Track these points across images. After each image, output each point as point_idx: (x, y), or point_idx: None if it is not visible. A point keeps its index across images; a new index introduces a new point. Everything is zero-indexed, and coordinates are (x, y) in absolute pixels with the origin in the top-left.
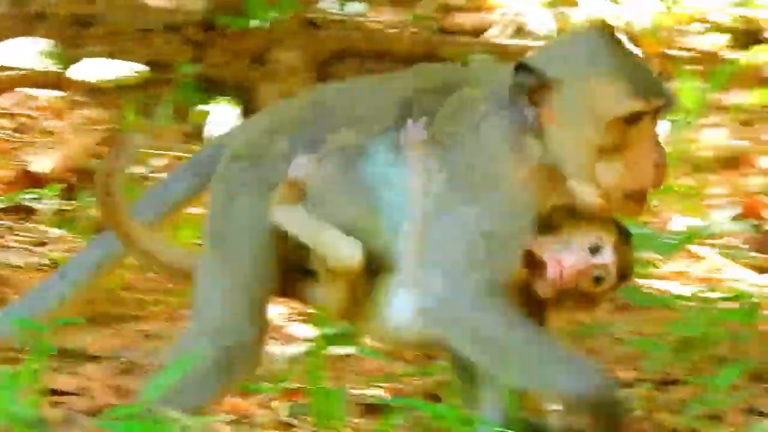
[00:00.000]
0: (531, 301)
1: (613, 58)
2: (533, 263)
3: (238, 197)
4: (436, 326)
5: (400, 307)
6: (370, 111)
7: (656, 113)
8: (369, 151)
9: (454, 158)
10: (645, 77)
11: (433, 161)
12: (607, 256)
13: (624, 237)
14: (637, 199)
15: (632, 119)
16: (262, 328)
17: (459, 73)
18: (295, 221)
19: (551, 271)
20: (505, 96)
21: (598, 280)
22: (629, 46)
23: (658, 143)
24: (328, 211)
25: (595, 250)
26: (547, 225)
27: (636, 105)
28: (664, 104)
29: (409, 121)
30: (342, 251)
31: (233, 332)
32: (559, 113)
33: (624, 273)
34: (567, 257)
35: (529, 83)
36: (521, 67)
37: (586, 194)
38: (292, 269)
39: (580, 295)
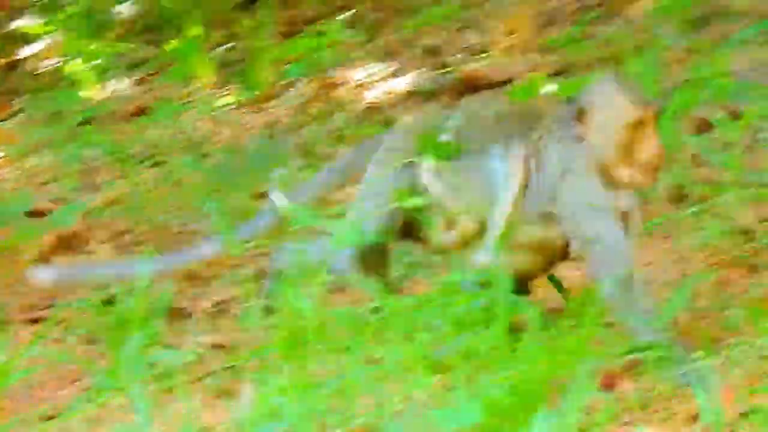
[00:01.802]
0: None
1: (621, 84)
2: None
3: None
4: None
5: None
6: (490, 127)
7: (653, 119)
8: (491, 152)
9: (548, 165)
10: (637, 95)
11: (531, 167)
12: None
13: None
14: (653, 171)
15: (636, 124)
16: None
17: (539, 108)
18: (439, 188)
19: None
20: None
21: None
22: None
23: (657, 137)
24: (460, 184)
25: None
26: None
27: (635, 114)
28: (656, 111)
29: (512, 141)
30: (467, 224)
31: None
32: (592, 126)
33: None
34: None
35: (575, 109)
36: (569, 100)
37: (623, 173)
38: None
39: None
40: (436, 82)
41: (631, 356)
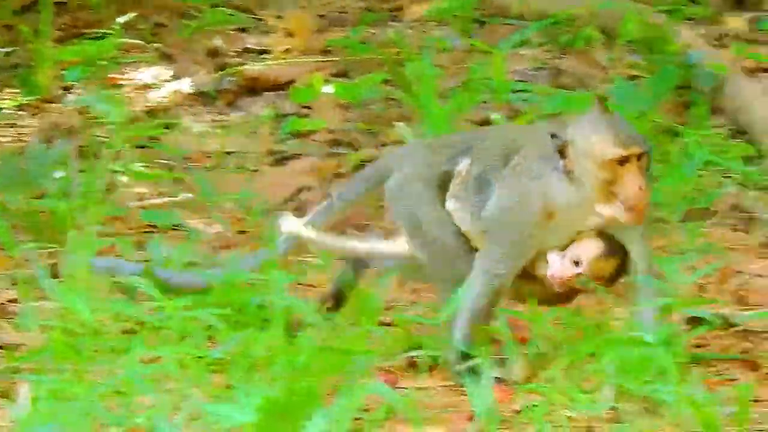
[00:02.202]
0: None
1: (598, 119)
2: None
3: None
4: None
5: None
6: (494, 154)
7: (639, 157)
8: (490, 181)
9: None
10: (623, 131)
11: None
12: (583, 268)
13: (612, 251)
14: (636, 212)
15: (621, 161)
16: None
17: (524, 134)
18: (461, 216)
19: (549, 276)
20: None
21: (584, 282)
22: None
23: (642, 177)
24: (473, 212)
25: (575, 264)
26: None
27: (618, 152)
28: (643, 151)
29: (505, 169)
30: None
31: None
32: (574, 159)
33: (604, 278)
34: (555, 267)
35: (555, 144)
36: (552, 135)
37: (605, 210)
38: None
39: (578, 288)
40: (217, 84)
41: (410, 354)
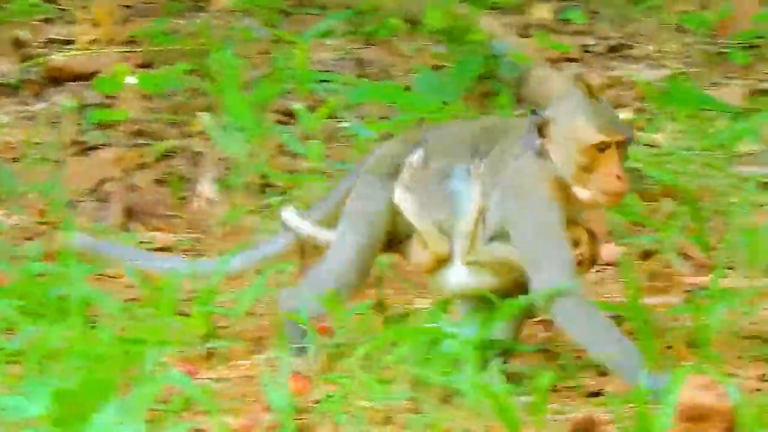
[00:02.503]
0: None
1: (583, 103)
2: None
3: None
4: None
5: (456, 272)
6: (456, 145)
7: (620, 144)
8: (453, 173)
9: (502, 181)
10: (606, 117)
11: (489, 188)
12: (582, 248)
13: (593, 236)
14: (613, 196)
15: (601, 147)
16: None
17: (502, 124)
18: (408, 208)
19: None
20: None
21: (579, 263)
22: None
23: (621, 164)
24: (427, 205)
25: (575, 244)
26: None
27: (600, 137)
28: (625, 138)
29: (476, 159)
30: (436, 244)
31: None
32: (555, 140)
33: (594, 259)
34: None
35: (535, 120)
36: (533, 111)
37: (581, 194)
38: (398, 234)
39: None
40: (21, 75)
41: (208, 345)
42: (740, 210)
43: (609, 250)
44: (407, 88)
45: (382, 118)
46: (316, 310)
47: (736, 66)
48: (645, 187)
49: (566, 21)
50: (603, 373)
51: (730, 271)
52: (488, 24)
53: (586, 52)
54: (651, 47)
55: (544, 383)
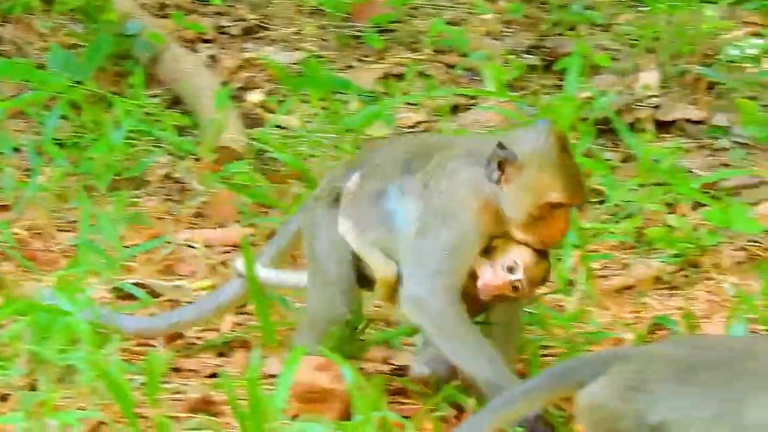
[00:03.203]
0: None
1: (556, 159)
2: (473, 276)
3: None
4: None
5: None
6: (389, 165)
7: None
8: (387, 193)
9: (434, 198)
10: (574, 179)
11: (422, 201)
12: (519, 274)
13: (541, 255)
14: (549, 245)
15: (556, 206)
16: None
17: (440, 141)
18: (350, 236)
19: (480, 285)
20: (478, 157)
21: (515, 289)
22: (570, 149)
23: (568, 222)
24: (365, 228)
25: (511, 270)
26: (486, 249)
27: (561, 198)
28: (582, 202)
29: (408, 176)
30: (383, 269)
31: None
32: (514, 181)
33: (537, 282)
34: (489, 275)
35: (501, 155)
36: (500, 145)
37: (517, 235)
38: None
39: (507, 296)
40: None
41: None
42: None
43: (234, 232)
44: (40, 66)
45: (12, 96)
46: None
47: (371, 49)
48: (274, 170)
49: (205, 2)
50: (222, 353)
51: None
52: (123, 3)
53: (222, 33)
54: (287, 30)
55: (157, 363)
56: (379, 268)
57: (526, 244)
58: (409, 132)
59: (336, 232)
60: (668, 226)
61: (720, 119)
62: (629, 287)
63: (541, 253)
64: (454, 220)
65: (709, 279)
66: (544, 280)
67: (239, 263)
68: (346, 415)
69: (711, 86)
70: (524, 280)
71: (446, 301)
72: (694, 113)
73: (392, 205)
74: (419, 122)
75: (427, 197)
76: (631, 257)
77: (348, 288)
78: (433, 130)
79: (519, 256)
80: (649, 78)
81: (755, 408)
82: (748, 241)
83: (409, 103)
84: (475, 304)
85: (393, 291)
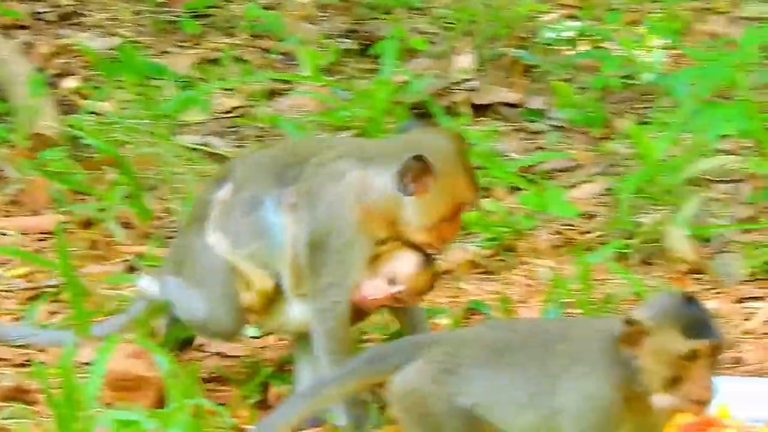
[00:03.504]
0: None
1: (465, 163)
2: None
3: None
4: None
5: (291, 309)
6: (262, 175)
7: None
8: (263, 203)
9: (320, 208)
10: (476, 178)
11: (302, 213)
12: (400, 286)
13: (426, 262)
14: (448, 241)
15: (463, 206)
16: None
17: (311, 146)
18: (222, 247)
19: (362, 298)
20: (359, 158)
21: (397, 300)
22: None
23: (458, 226)
24: (240, 239)
25: (392, 282)
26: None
27: (472, 199)
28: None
29: (285, 188)
30: (259, 279)
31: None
32: (429, 189)
33: (423, 290)
34: (370, 289)
35: (418, 167)
36: (418, 157)
37: (416, 237)
38: None
39: (392, 305)
40: None
41: None
42: (185, 179)
43: (49, 219)
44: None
45: None
46: None
47: (187, 35)
48: (89, 156)
49: None
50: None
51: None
52: None
53: (37, 19)
54: (103, 15)
55: None
56: (257, 279)
57: (427, 245)
58: (224, 117)
59: (213, 253)
60: (484, 210)
61: (536, 102)
62: (445, 272)
63: (428, 260)
64: (343, 229)
65: (525, 263)
66: (431, 287)
67: (145, 282)
68: (161, 403)
69: (527, 69)
70: (405, 291)
71: (340, 314)
72: (510, 96)
73: (271, 217)
74: (235, 107)
75: (311, 207)
76: None
77: (234, 306)
78: (249, 116)
79: (400, 267)
80: (465, 61)
81: (567, 390)
82: (564, 224)
83: (225, 89)
84: (358, 312)
85: (269, 302)
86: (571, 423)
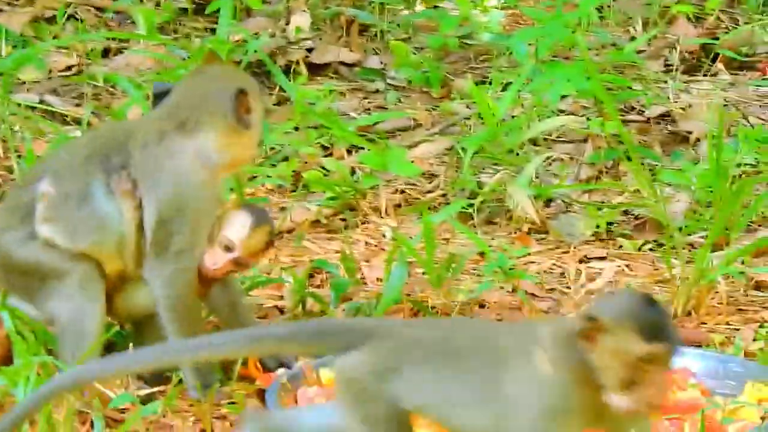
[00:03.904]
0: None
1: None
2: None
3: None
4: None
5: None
6: (82, 164)
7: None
8: (93, 194)
9: (161, 188)
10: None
11: (145, 198)
12: (237, 251)
13: (259, 221)
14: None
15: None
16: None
17: (125, 127)
18: (60, 239)
19: (203, 268)
20: (179, 124)
21: (238, 264)
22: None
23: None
24: (79, 233)
25: (228, 248)
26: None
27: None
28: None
29: (113, 174)
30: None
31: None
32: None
33: (260, 250)
34: (209, 259)
35: (244, 99)
36: (240, 90)
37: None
38: None
39: (235, 270)
40: None
41: None
42: (23, 138)
43: None
44: None
45: None
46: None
47: None
48: None
49: None
50: None
51: None
52: None
53: None
54: None
55: None
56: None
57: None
58: (61, 75)
59: (33, 244)
60: (325, 169)
61: (373, 62)
62: (289, 231)
63: (260, 218)
64: (198, 197)
65: (367, 222)
66: (269, 245)
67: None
68: (7, 361)
69: (364, 29)
70: (243, 254)
71: (188, 281)
72: (348, 56)
73: (104, 207)
74: (71, 66)
75: (155, 188)
76: (288, 201)
77: (94, 293)
78: (86, 74)
79: (234, 232)
80: (301, 21)
81: (511, 386)
82: (406, 184)
83: (60, 47)
84: (204, 282)
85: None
86: (522, 412)
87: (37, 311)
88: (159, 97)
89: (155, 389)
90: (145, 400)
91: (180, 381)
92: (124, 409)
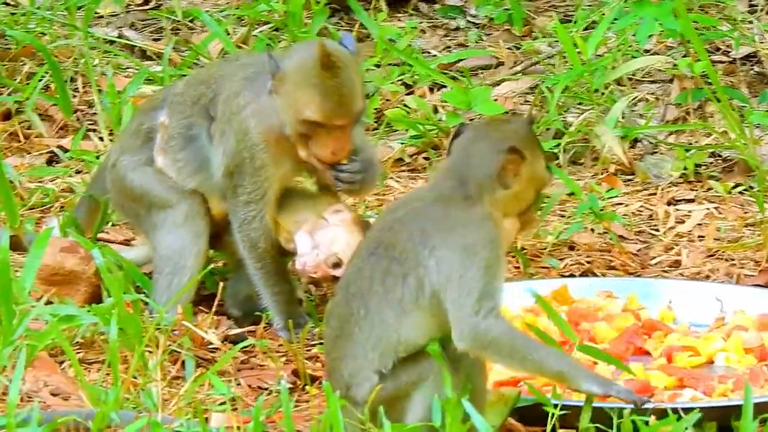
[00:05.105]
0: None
1: (315, 77)
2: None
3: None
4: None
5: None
6: (190, 105)
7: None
8: (200, 136)
9: (229, 142)
10: (333, 98)
11: (219, 147)
12: (341, 271)
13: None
14: (327, 166)
15: (318, 124)
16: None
17: (220, 71)
18: (171, 173)
19: (300, 266)
20: (253, 82)
21: (333, 279)
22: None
23: (341, 141)
24: (184, 170)
25: (335, 266)
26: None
27: (316, 117)
28: (348, 121)
29: (211, 122)
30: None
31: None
32: (281, 93)
33: None
34: (311, 261)
35: (272, 70)
36: (270, 56)
37: (301, 152)
38: None
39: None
40: None
41: None
42: (103, 71)
43: None
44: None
45: None
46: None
47: None
48: (5, 47)
49: None
50: None
51: None
52: None
53: None
54: None
55: None
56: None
57: (311, 162)
58: (139, 9)
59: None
60: (407, 107)
61: None
62: None
63: (359, 225)
64: (254, 159)
65: None
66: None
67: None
68: (93, 298)
69: None
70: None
71: (262, 226)
72: None
73: (205, 152)
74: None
75: (227, 140)
76: (371, 139)
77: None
78: (165, 8)
79: (342, 249)
80: None
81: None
82: None
83: None
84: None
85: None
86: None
87: (140, 238)
88: None
89: (245, 329)
90: (235, 340)
91: (269, 323)
92: (215, 347)
